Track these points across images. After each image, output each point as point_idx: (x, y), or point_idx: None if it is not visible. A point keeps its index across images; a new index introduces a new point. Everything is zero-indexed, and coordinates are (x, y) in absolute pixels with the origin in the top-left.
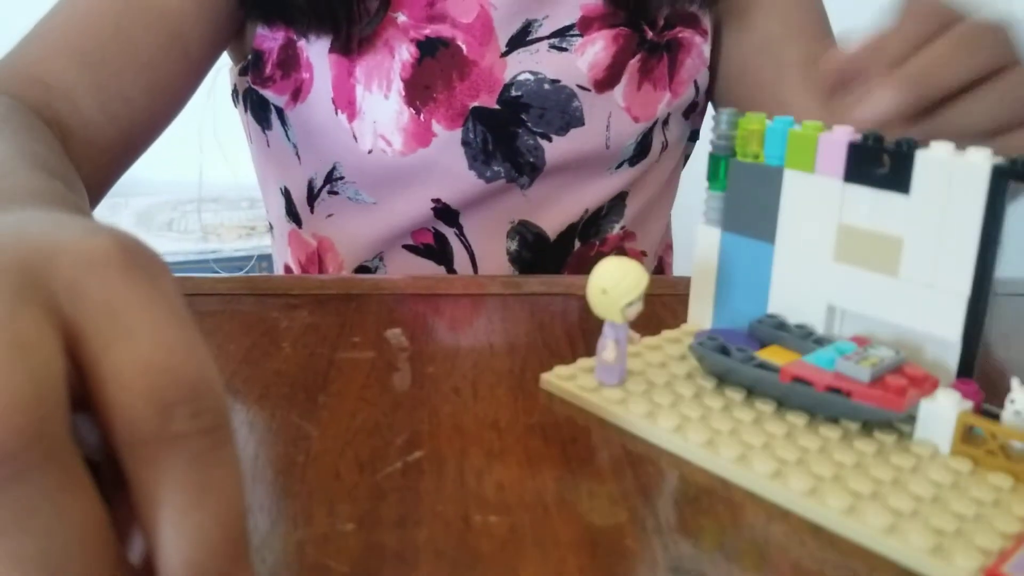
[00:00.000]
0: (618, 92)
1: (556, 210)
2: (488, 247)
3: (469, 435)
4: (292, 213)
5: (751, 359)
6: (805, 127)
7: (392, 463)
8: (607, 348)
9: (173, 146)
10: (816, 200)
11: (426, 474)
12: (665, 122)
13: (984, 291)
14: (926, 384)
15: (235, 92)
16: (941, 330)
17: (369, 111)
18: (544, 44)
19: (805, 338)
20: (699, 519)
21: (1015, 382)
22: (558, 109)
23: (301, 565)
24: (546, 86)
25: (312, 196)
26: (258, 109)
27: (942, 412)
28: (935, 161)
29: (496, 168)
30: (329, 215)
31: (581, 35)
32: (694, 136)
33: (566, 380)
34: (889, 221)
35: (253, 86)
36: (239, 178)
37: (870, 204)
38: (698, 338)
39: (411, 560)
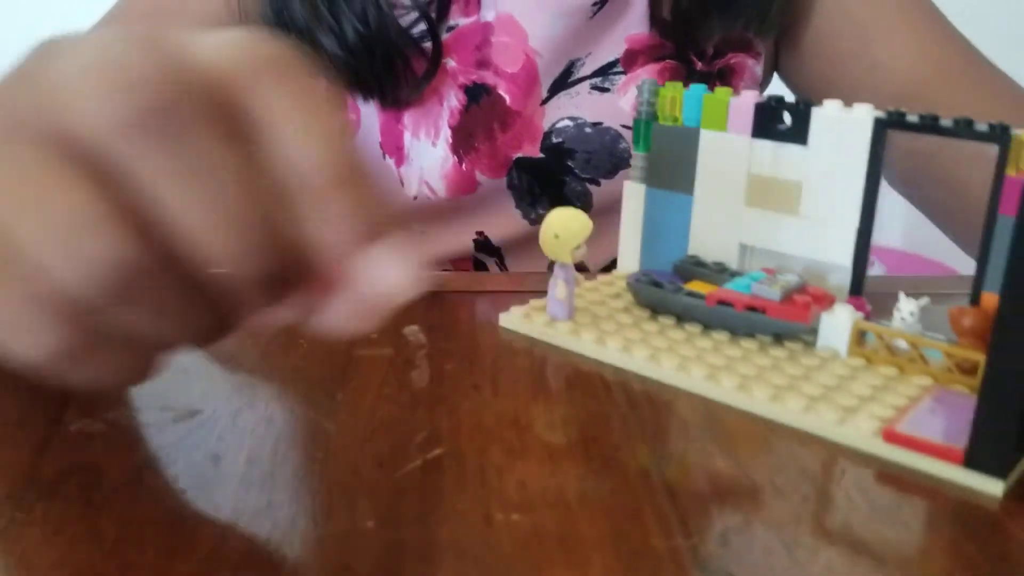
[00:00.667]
0: None
1: (602, 247)
2: None
3: (489, 432)
4: None
5: (680, 290)
6: (717, 92)
7: (412, 460)
8: (558, 287)
9: None
10: (728, 154)
11: (446, 471)
12: None
13: (869, 223)
14: (825, 301)
15: None
16: (836, 257)
17: (416, 158)
18: (585, 85)
19: (721, 272)
20: (724, 517)
21: (901, 295)
22: (605, 152)
23: (322, 563)
24: (587, 130)
25: None
26: None
27: (839, 322)
28: (828, 116)
29: (541, 211)
30: None
31: (624, 72)
32: None
33: (523, 318)
34: (790, 169)
35: None
36: None
37: (774, 155)
38: (633, 276)
39: (432, 559)
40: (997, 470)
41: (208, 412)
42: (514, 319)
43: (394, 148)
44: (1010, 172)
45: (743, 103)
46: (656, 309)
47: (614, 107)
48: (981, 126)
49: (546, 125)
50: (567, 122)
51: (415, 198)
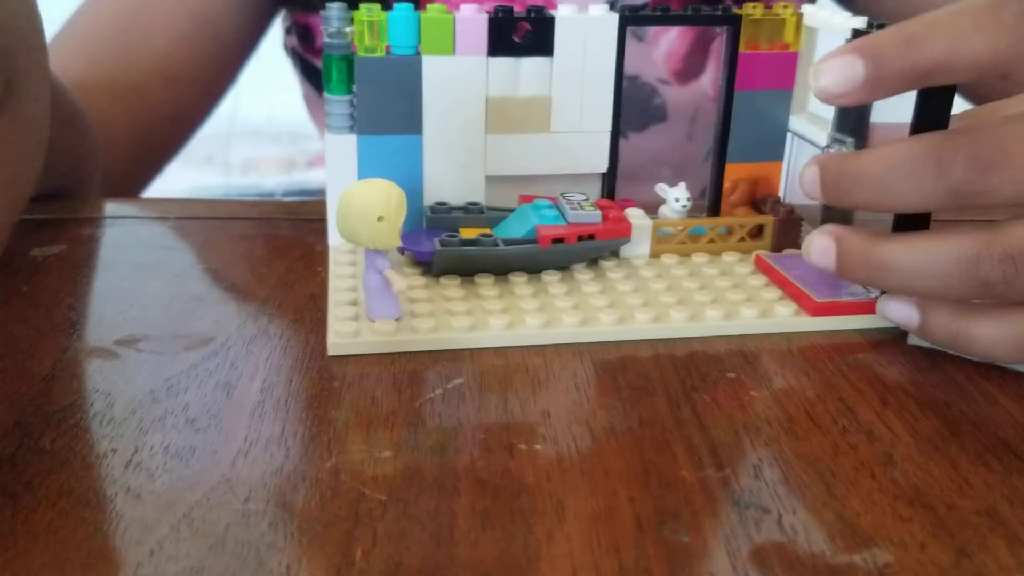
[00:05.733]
0: (706, 80)
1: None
2: None
3: (513, 361)
4: None
5: (496, 242)
6: (435, 10)
7: (432, 389)
8: (395, 279)
9: None
10: (461, 80)
11: (467, 401)
12: None
13: (618, 125)
14: (622, 209)
15: (285, 45)
16: (592, 166)
17: None
18: None
19: (481, 213)
20: (756, 450)
21: (663, 186)
22: (638, 108)
23: (335, 492)
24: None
25: None
26: (313, 76)
27: (644, 226)
28: (572, 21)
29: None
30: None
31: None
32: None
33: (353, 337)
34: (536, 84)
35: (304, 55)
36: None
37: (516, 72)
38: (428, 241)
39: (451, 488)
40: None
41: (221, 340)
42: (345, 341)
43: None
44: (742, 49)
45: (473, 19)
46: (469, 271)
47: (648, 59)
48: (711, 12)
49: None
50: None
51: None
